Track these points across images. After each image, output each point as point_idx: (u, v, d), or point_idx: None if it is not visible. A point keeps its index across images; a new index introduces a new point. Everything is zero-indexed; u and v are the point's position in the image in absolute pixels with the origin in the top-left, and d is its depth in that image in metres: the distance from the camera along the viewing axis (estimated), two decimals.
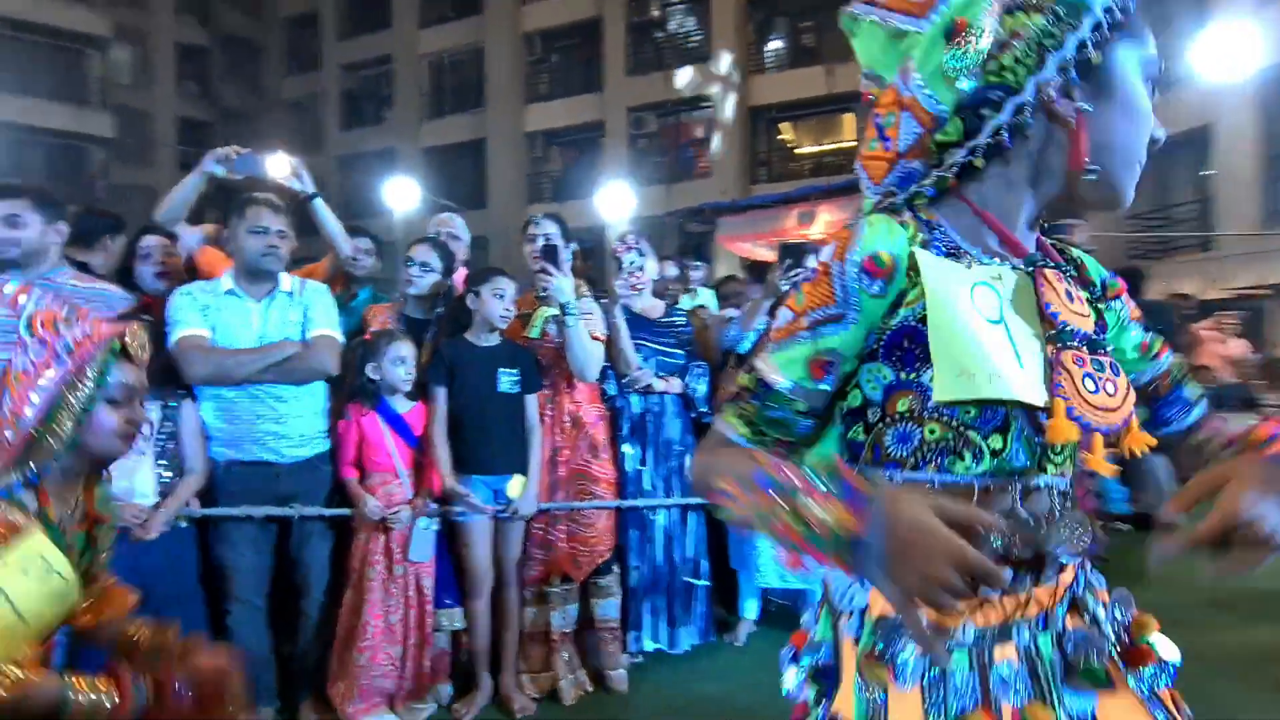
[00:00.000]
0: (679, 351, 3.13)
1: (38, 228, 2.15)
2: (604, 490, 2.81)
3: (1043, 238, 0.85)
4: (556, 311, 2.65)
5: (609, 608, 2.81)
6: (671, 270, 4.40)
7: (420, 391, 2.56)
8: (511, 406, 2.61)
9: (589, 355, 2.67)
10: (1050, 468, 0.76)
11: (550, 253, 2.61)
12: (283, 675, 2.43)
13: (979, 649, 0.74)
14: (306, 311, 2.30)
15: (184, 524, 2.18)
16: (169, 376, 2.18)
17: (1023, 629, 0.76)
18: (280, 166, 2.74)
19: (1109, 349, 0.80)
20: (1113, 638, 0.79)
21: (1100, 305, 0.85)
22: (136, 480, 2.11)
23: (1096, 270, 0.88)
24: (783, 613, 3.31)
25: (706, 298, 4.45)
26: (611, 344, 2.88)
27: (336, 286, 3.14)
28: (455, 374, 2.54)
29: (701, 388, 3.15)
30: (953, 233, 0.81)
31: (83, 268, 2.62)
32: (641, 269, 3.03)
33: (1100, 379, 0.75)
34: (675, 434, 3.09)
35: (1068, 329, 0.76)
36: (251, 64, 22.18)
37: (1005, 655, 0.75)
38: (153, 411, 2.16)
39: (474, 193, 18.21)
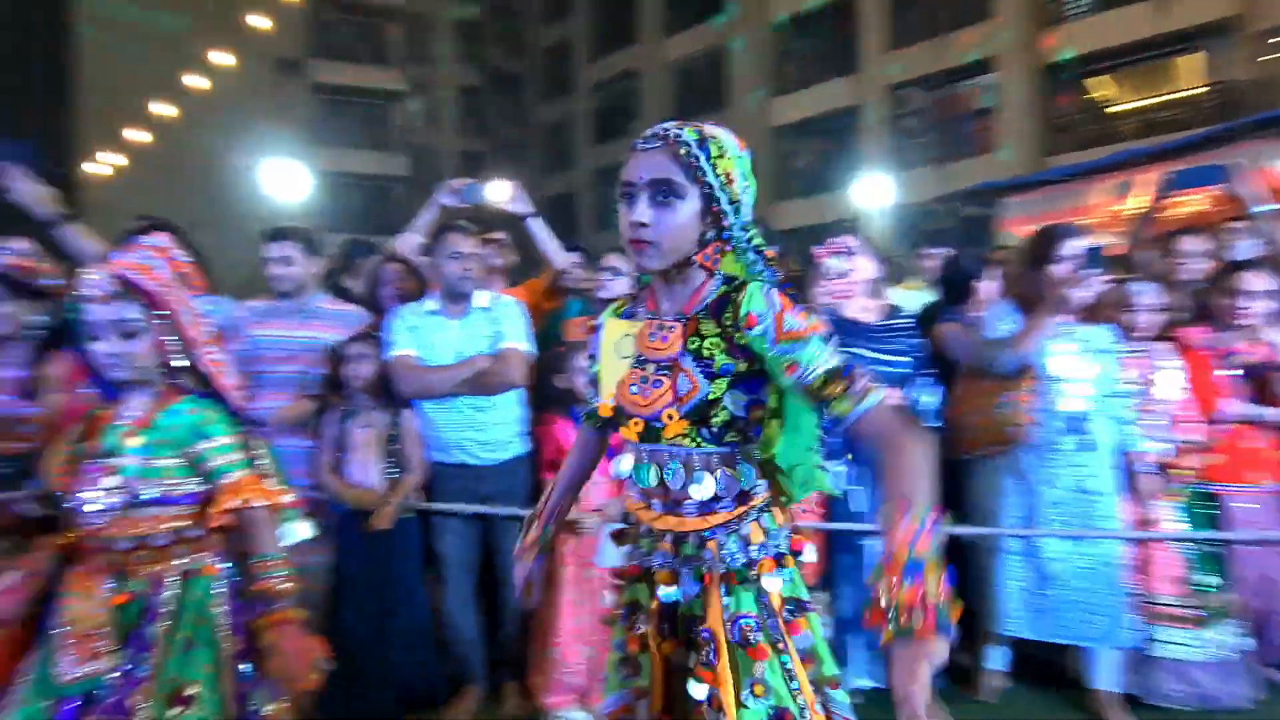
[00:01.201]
0: (902, 359, 2.92)
1: (303, 265, 2.77)
2: (807, 511, 2.74)
3: (700, 298, 1.33)
4: None
5: None
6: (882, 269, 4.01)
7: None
8: None
9: None
10: (663, 440, 1.31)
11: None
12: (492, 659, 2.78)
13: (650, 538, 1.37)
14: (499, 326, 2.61)
15: (409, 516, 2.63)
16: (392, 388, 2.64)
17: (667, 535, 1.34)
18: (501, 191, 3.12)
19: (680, 367, 1.29)
20: (726, 564, 1.30)
21: (735, 333, 1.28)
22: (369, 476, 2.59)
23: (747, 307, 1.27)
24: (1044, 669, 2.91)
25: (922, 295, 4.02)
26: None
27: (556, 299, 3.50)
28: None
29: (929, 400, 2.90)
30: (643, 304, 1.39)
31: (346, 291, 3.29)
32: (846, 274, 2.89)
33: (642, 386, 1.30)
34: None
35: (640, 358, 1.33)
36: (516, 96, 25.39)
37: (662, 547, 1.35)
38: (381, 419, 2.65)
39: None
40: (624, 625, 1.37)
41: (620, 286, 3.02)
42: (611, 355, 1.38)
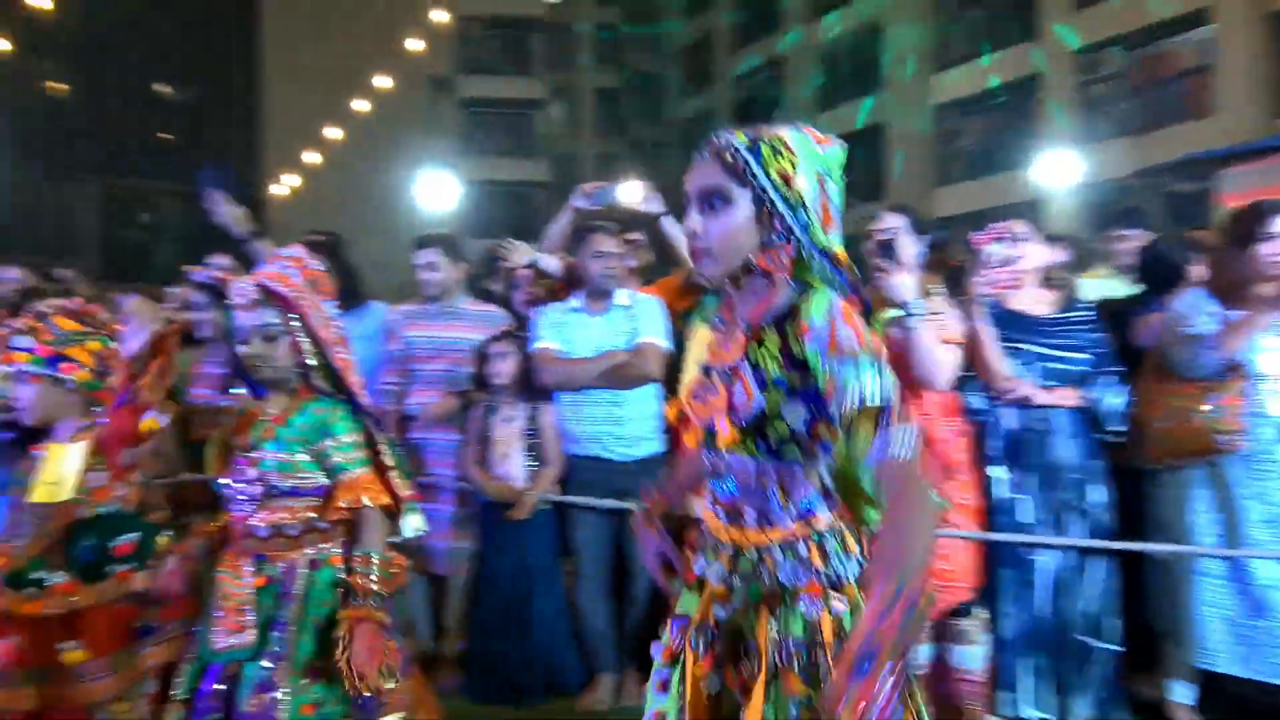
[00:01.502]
0: (1079, 356, 2.71)
1: (447, 270, 3.04)
2: (961, 519, 2.62)
3: (769, 305, 1.31)
4: (896, 313, 2.56)
5: (968, 657, 2.61)
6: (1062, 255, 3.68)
7: None
8: None
9: (935, 361, 2.53)
10: (720, 448, 1.31)
11: (887, 248, 2.55)
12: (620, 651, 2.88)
13: (713, 549, 1.35)
14: (638, 323, 2.72)
15: (546, 507, 2.81)
16: (532, 383, 2.82)
17: (726, 547, 1.33)
18: (632, 192, 3.24)
19: (738, 374, 1.29)
20: (780, 583, 1.27)
21: (794, 343, 1.25)
22: (511, 468, 2.77)
23: (804, 316, 1.24)
24: (1245, 706, 2.59)
25: (1112, 283, 3.66)
26: (974, 349, 2.64)
27: (689, 298, 3.55)
28: None
29: (1114, 401, 2.67)
30: (723, 311, 1.42)
31: (490, 293, 3.52)
32: (1011, 261, 2.72)
33: (702, 393, 1.35)
34: (1069, 457, 2.69)
35: (708, 366, 1.36)
36: (654, 95, 25.90)
37: (720, 558, 1.34)
38: (523, 414, 2.84)
39: (870, 183, 17.94)
40: (667, 635, 1.36)
41: None
42: (692, 360, 1.42)
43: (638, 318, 2.78)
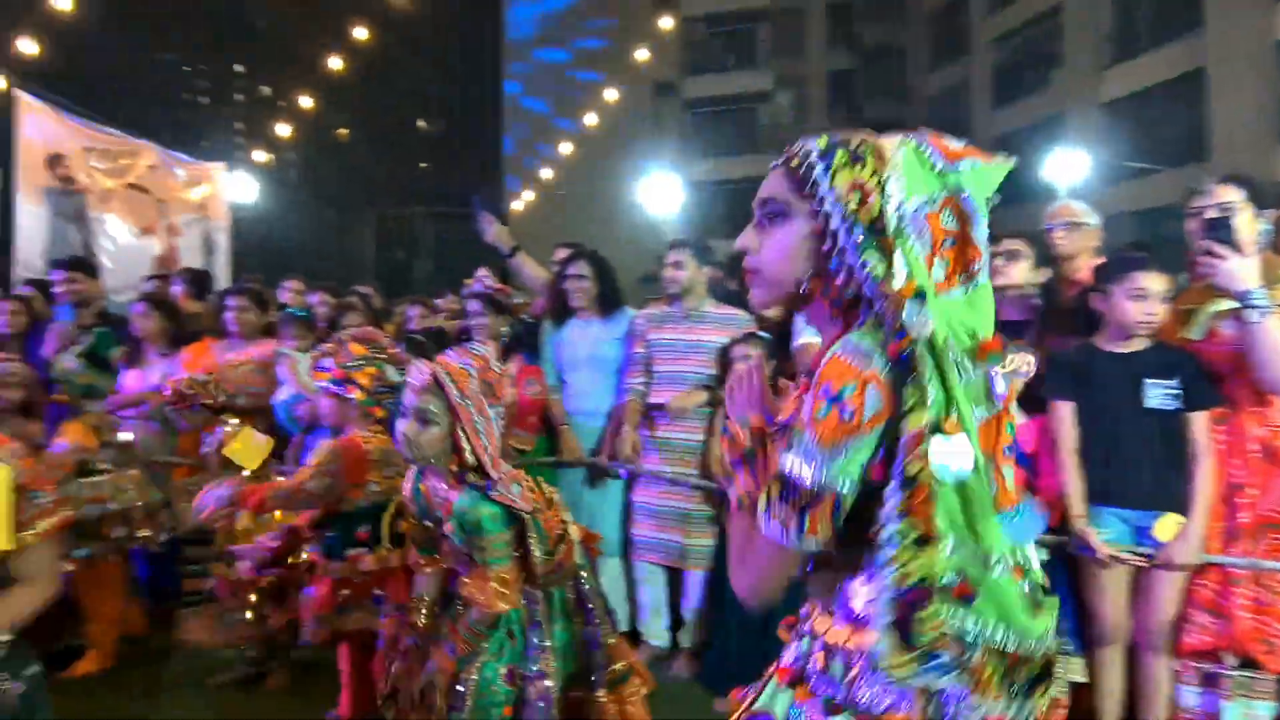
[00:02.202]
0: None
1: (692, 270, 3.25)
2: None
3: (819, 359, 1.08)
4: (1232, 305, 2.27)
5: None
6: None
7: (1033, 404, 2.54)
8: (1163, 426, 2.39)
9: None
10: None
11: (1218, 226, 2.24)
12: None
13: (813, 639, 1.16)
14: None
15: None
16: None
17: (820, 638, 1.14)
18: None
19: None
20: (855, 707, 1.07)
21: None
22: None
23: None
24: None
25: None
26: None
27: None
28: (1084, 386, 2.48)
29: None
30: None
31: (735, 295, 3.64)
32: None
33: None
34: None
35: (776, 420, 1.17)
36: (895, 71, 24.63)
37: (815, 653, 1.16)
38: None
39: (1186, 143, 15.43)
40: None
41: (1018, 273, 2.89)
42: None
43: None
